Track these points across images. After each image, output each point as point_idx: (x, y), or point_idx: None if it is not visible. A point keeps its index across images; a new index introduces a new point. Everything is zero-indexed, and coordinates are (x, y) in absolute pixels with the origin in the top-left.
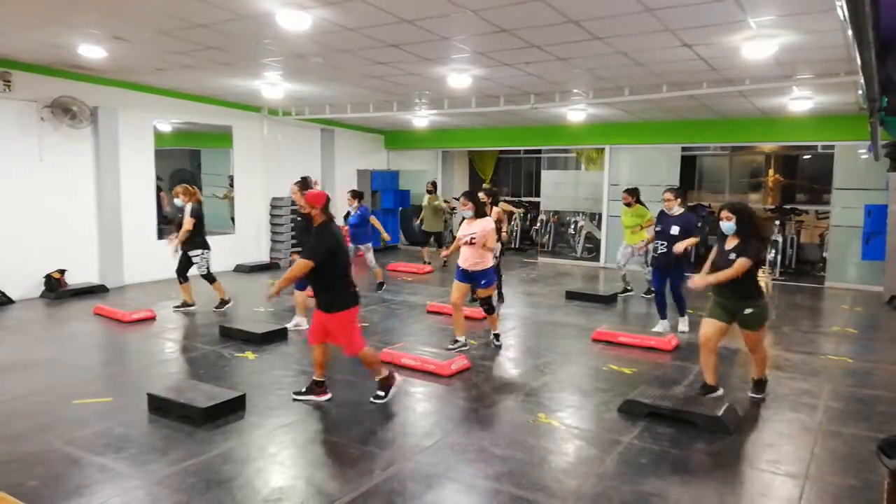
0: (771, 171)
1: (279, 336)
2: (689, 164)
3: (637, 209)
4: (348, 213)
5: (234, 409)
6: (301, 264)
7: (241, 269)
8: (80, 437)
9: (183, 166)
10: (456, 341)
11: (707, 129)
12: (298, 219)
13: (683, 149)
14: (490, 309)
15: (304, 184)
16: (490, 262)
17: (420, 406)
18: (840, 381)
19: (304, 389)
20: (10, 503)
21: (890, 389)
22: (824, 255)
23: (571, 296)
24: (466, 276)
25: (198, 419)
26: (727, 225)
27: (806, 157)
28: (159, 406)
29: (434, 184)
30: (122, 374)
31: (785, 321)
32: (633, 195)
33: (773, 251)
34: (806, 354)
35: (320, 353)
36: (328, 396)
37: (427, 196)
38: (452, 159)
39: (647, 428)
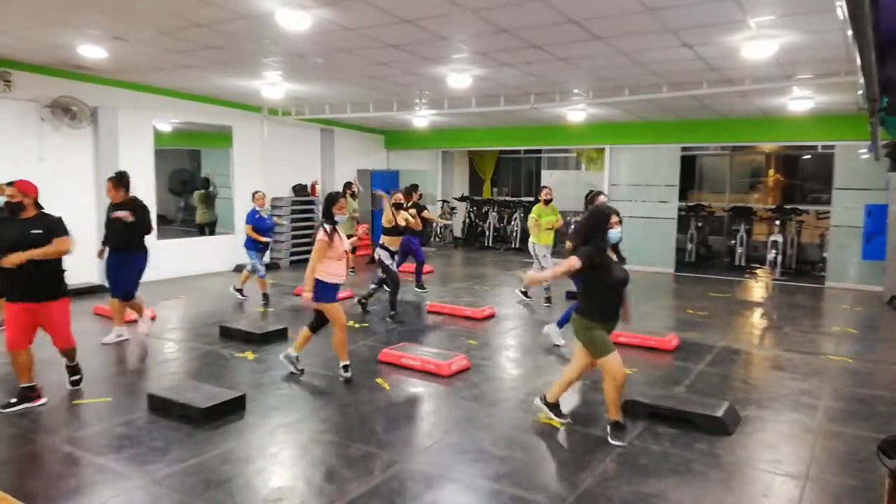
0: (771, 171)
1: (279, 336)
2: (689, 164)
3: (553, 207)
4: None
5: (233, 409)
6: (67, 243)
7: (240, 268)
8: (79, 437)
9: (183, 166)
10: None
11: (707, 128)
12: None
13: (683, 149)
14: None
15: (121, 179)
16: None
17: (420, 406)
18: (840, 382)
19: (13, 400)
20: (10, 503)
21: (890, 389)
22: (825, 255)
23: (572, 295)
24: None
25: (198, 419)
26: (616, 233)
27: (806, 157)
28: (159, 406)
29: (349, 184)
30: (122, 374)
31: (785, 321)
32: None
33: (774, 251)
34: (806, 354)
35: (30, 357)
36: (44, 400)
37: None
38: (452, 159)
39: (648, 428)
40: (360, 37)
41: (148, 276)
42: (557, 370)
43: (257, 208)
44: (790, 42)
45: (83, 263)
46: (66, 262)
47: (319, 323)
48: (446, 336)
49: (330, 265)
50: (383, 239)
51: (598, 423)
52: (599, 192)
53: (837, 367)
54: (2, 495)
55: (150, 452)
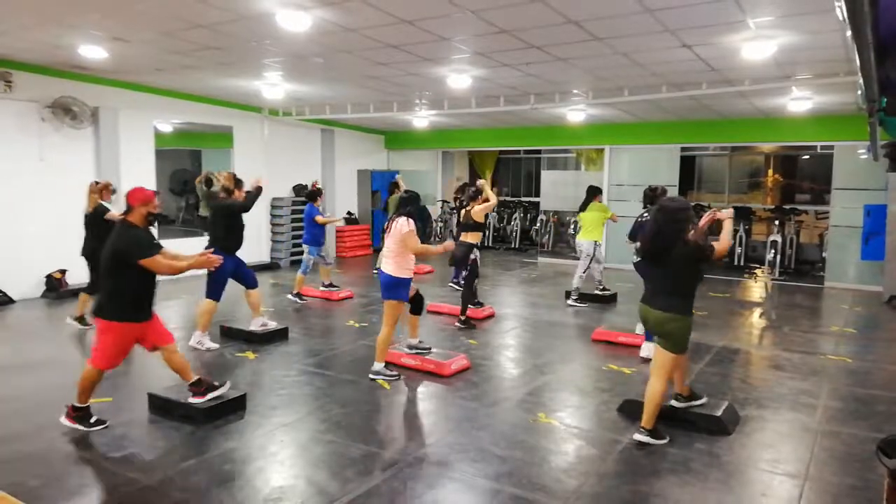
0: (770, 172)
1: (280, 336)
2: (688, 165)
3: (593, 205)
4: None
5: (234, 408)
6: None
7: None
8: (80, 437)
9: (183, 166)
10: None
11: (707, 129)
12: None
13: (683, 149)
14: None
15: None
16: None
17: (420, 406)
18: (839, 381)
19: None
20: (10, 503)
21: (889, 389)
22: (824, 255)
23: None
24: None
25: (198, 419)
26: None
27: (805, 157)
28: (160, 406)
29: (396, 183)
30: (123, 374)
31: (784, 321)
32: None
33: (773, 251)
34: (805, 354)
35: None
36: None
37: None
38: (452, 159)
39: None
40: (360, 37)
41: None
42: (558, 368)
43: (316, 206)
44: (789, 42)
45: (84, 263)
46: (68, 261)
47: (417, 305)
48: (446, 336)
49: (410, 259)
50: (474, 237)
51: (596, 422)
52: (657, 188)
53: (836, 366)
54: (2, 495)
55: (151, 452)
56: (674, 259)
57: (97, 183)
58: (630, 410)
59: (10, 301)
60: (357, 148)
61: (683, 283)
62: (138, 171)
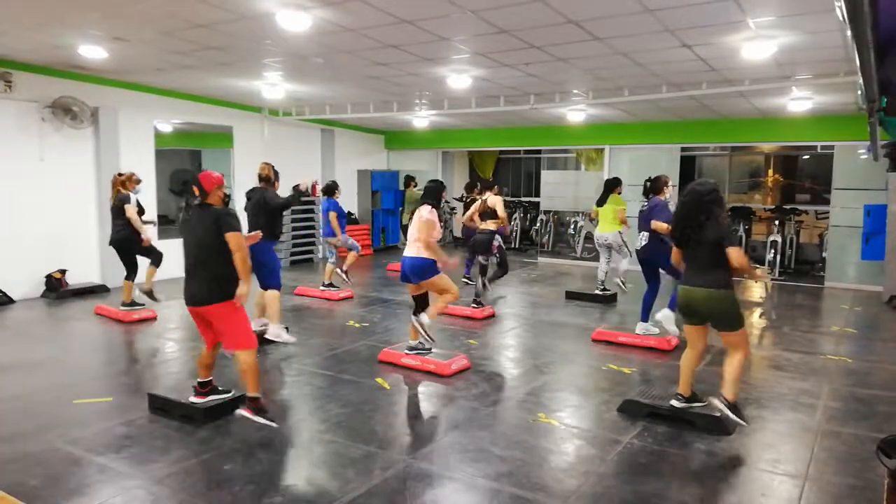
0: (770, 172)
1: None
2: (688, 164)
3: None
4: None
5: (234, 408)
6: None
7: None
8: (80, 436)
9: (183, 166)
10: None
11: (707, 129)
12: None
13: (683, 149)
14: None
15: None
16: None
17: (420, 406)
18: (839, 381)
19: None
20: (10, 503)
21: (889, 389)
22: (824, 255)
23: (571, 296)
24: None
25: (199, 418)
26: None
27: (805, 157)
28: (160, 406)
29: (412, 178)
30: (123, 374)
31: (784, 321)
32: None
33: (773, 251)
34: (805, 354)
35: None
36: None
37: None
38: (452, 159)
39: (647, 428)
40: (360, 37)
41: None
42: (558, 368)
43: (336, 200)
44: (789, 42)
45: (84, 263)
46: (68, 261)
47: (422, 305)
48: (446, 336)
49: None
50: (495, 223)
51: (596, 422)
52: (659, 177)
53: (836, 366)
54: (2, 495)
55: (151, 452)
56: (706, 238)
57: (120, 175)
58: (630, 410)
59: (10, 301)
60: (357, 148)
61: (719, 258)
62: (138, 172)
